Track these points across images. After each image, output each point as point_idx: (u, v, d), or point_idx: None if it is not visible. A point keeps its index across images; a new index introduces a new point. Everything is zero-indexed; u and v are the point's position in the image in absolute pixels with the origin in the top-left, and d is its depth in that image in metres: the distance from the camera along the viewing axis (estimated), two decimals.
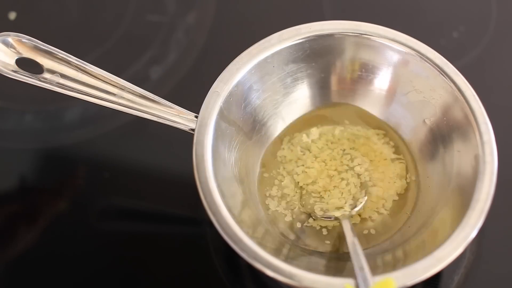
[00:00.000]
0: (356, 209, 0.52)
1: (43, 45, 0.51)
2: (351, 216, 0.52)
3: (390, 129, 0.56)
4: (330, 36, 0.54)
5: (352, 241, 0.47)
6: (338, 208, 0.52)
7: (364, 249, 0.49)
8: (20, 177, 0.60)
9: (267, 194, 0.54)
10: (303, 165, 0.55)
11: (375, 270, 0.46)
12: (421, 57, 0.52)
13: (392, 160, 0.55)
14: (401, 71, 0.54)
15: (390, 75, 0.55)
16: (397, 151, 0.55)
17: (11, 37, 0.50)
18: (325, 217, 0.52)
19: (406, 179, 0.54)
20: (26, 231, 0.58)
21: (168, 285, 0.56)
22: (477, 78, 0.53)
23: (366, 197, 0.53)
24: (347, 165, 0.55)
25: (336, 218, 0.52)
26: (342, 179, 0.54)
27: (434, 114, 0.53)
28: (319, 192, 0.54)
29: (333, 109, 0.57)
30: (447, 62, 0.52)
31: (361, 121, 0.57)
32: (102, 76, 0.51)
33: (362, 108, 0.56)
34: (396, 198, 0.54)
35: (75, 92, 0.51)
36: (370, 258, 0.48)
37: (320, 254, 0.52)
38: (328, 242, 0.52)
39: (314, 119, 0.57)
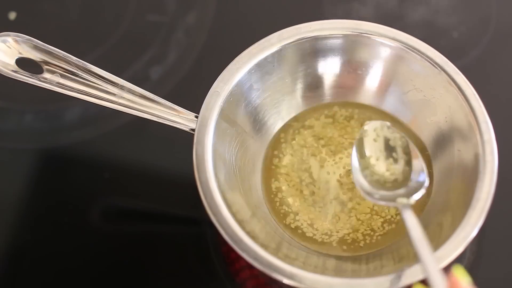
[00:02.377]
0: (417, 195, 0.47)
1: (43, 45, 0.51)
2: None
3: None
4: (330, 35, 0.54)
5: (419, 238, 0.42)
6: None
7: (372, 251, 0.50)
8: (20, 177, 0.60)
9: (269, 194, 0.54)
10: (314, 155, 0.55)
11: (378, 270, 0.46)
12: (421, 56, 0.52)
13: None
14: (401, 69, 0.54)
15: (390, 74, 0.55)
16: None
17: (11, 37, 0.50)
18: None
19: None
20: (26, 231, 0.58)
21: (168, 285, 0.56)
22: (477, 78, 0.53)
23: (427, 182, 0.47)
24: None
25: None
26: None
27: (434, 113, 0.53)
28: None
29: (334, 109, 0.57)
30: (447, 61, 0.52)
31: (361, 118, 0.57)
32: (102, 76, 0.51)
33: (363, 105, 0.56)
34: None
35: (75, 92, 0.51)
36: (376, 259, 0.48)
37: (320, 253, 0.52)
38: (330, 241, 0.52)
39: (315, 118, 0.57)
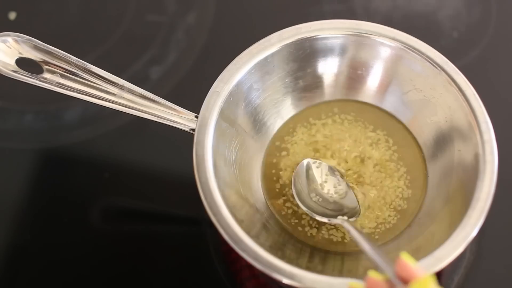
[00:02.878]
0: (352, 219, 0.51)
1: (43, 45, 0.51)
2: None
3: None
4: (330, 35, 0.54)
5: (363, 241, 0.46)
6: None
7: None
8: (20, 177, 0.60)
9: (269, 193, 0.54)
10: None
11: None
12: (421, 56, 0.52)
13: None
14: (401, 69, 0.54)
15: (390, 73, 0.55)
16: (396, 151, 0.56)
17: (11, 37, 0.50)
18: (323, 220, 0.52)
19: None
20: (26, 230, 0.58)
21: (168, 285, 0.56)
22: (477, 78, 0.53)
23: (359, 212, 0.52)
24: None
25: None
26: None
27: (434, 113, 0.53)
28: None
29: (333, 109, 0.57)
30: (447, 61, 0.52)
31: (362, 118, 0.57)
32: (102, 76, 0.51)
33: (363, 105, 0.56)
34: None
35: (75, 92, 0.51)
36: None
37: (320, 253, 0.52)
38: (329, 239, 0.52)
39: (314, 117, 0.57)
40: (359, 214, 0.52)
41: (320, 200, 0.53)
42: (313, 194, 0.53)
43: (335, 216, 0.51)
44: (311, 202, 0.53)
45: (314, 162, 0.54)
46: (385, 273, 0.40)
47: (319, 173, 0.54)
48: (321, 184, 0.53)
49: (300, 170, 0.54)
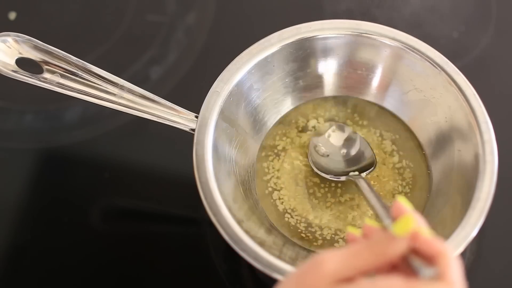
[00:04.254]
0: (365, 173, 0.52)
1: (43, 45, 0.51)
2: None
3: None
4: (330, 35, 0.54)
5: (368, 189, 0.48)
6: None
7: None
8: (20, 177, 0.60)
9: (267, 192, 0.54)
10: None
11: None
12: (421, 56, 0.52)
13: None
14: (401, 69, 0.54)
15: (390, 73, 0.55)
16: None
17: (11, 37, 0.50)
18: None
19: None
20: (26, 230, 0.58)
21: (168, 285, 0.56)
22: (477, 78, 0.53)
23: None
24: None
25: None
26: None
27: (434, 113, 0.53)
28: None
29: (333, 108, 0.57)
30: (448, 61, 0.52)
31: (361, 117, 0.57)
32: (102, 76, 0.51)
33: (363, 104, 0.56)
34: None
35: (75, 92, 0.51)
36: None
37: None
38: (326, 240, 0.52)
39: (314, 117, 0.57)
40: (375, 165, 0.53)
41: (329, 158, 0.54)
42: (323, 158, 0.54)
43: (347, 173, 0.52)
44: (323, 164, 0.54)
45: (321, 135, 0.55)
46: (383, 222, 0.40)
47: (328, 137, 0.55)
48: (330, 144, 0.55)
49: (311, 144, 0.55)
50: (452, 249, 0.33)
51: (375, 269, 0.35)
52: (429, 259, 0.35)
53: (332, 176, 0.53)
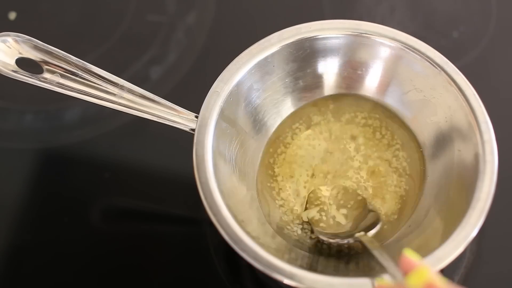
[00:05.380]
0: (373, 231, 0.50)
1: (43, 45, 0.51)
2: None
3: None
4: (330, 35, 0.54)
5: (377, 251, 0.46)
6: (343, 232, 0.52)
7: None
8: (20, 177, 0.60)
9: (269, 193, 0.54)
10: (306, 169, 0.55)
11: (374, 271, 0.46)
12: (421, 56, 0.52)
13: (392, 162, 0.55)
14: (401, 69, 0.54)
15: (390, 73, 0.55)
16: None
17: (11, 37, 0.50)
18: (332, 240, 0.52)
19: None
20: (26, 231, 0.58)
21: (168, 285, 0.56)
22: (477, 78, 0.53)
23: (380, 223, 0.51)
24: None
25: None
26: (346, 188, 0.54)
27: (434, 113, 0.53)
28: (321, 201, 0.53)
29: (333, 108, 0.57)
30: (447, 61, 0.52)
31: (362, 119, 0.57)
32: (102, 76, 0.51)
33: (363, 103, 0.57)
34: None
35: (75, 92, 0.51)
36: (371, 259, 0.48)
37: (320, 252, 0.52)
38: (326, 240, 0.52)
39: (314, 117, 0.57)
40: (380, 223, 0.51)
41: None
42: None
43: (352, 235, 0.51)
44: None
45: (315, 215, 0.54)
46: (396, 279, 0.40)
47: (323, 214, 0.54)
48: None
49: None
50: None
51: None
52: None
53: (338, 240, 0.51)
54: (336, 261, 0.51)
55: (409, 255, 0.36)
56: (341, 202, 0.53)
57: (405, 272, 0.36)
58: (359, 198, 0.53)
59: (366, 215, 0.52)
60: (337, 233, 0.52)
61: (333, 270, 0.50)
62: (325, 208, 0.53)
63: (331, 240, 0.51)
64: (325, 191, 0.54)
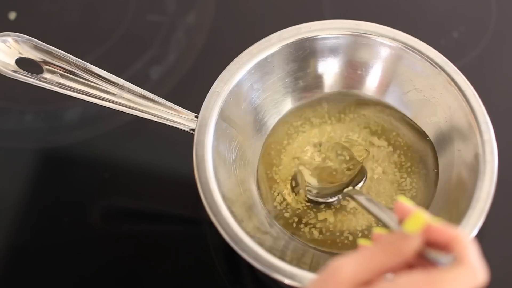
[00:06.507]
0: (359, 184, 0.52)
1: (43, 45, 0.51)
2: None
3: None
4: (330, 35, 0.54)
5: (366, 200, 0.47)
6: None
7: None
8: (20, 177, 0.60)
9: (269, 193, 0.54)
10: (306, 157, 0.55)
11: None
12: (421, 56, 0.52)
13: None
14: (401, 69, 0.54)
15: (390, 73, 0.55)
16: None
17: (11, 37, 0.50)
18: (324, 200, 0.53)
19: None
20: (26, 230, 0.58)
21: (168, 285, 0.56)
22: (477, 78, 0.53)
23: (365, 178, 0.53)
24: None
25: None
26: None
27: (434, 113, 0.53)
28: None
29: (333, 108, 0.57)
30: (447, 61, 0.52)
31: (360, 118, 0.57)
32: (102, 76, 0.51)
33: (363, 103, 0.57)
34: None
35: (75, 92, 0.51)
36: None
37: (320, 253, 0.52)
38: (327, 240, 0.52)
39: (313, 117, 0.57)
40: (366, 175, 0.53)
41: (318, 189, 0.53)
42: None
43: (341, 191, 0.52)
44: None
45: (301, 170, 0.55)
46: (390, 227, 0.40)
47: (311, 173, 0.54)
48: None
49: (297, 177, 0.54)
50: (466, 233, 0.33)
51: (392, 270, 0.35)
52: (445, 248, 0.34)
53: (327, 198, 0.53)
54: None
55: (403, 201, 0.36)
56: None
57: (401, 219, 0.36)
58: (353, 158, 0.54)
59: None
60: (326, 192, 0.53)
61: None
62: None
63: (321, 200, 0.52)
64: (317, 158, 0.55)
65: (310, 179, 0.54)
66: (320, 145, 0.55)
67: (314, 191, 0.53)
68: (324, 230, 0.53)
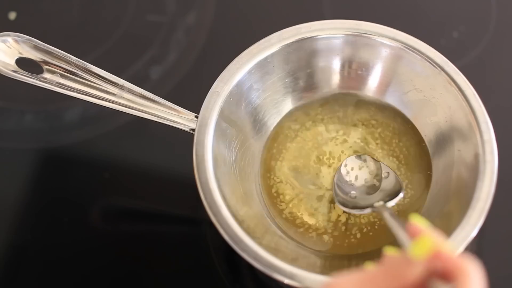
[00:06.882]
0: (392, 202, 0.50)
1: (43, 45, 0.51)
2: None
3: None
4: (330, 35, 0.54)
5: (389, 215, 0.46)
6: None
7: (368, 251, 0.50)
8: (20, 177, 0.60)
9: (269, 193, 0.54)
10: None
11: None
12: (421, 56, 0.52)
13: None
14: (401, 69, 0.54)
15: (390, 73, 0.55)
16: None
17: (11, 37, 0.50)
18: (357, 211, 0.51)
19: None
20: (26, 230, 0.58)
21: (168, 285, 0.56)
22: (477, 78, 0.53)
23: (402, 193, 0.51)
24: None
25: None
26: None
27: (434, 113, 0.53)
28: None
29: (333, 108, 0.57)
30: (447, 61, 0.52)
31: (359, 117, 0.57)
32: (102, 76, 0.51)
33: (363, 102, 0.57)
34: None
35: (75, 92, 0.51)
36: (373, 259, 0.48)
37: (320, 253, 0.52)
38: (329, 240, 0.52)
39: (314, 117, 0.57)
40: (403, 192, 0.51)
41: (355, 194, 0.52)
42: (352, 192, 0.53)
43: (371, 205, 0.50)
44: (348, 199, 0.52)
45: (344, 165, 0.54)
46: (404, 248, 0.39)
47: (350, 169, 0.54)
48: (353, 179, 0.53)
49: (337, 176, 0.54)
50: (474, 265, 0.32)
51: None
52: (449, 276, 0.33)
53: (358, 210, 0.51)
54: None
55: (416, 221, 0.35)
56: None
57: (412, 240, 0.35)
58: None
59: (386, 183, 0.52)
60: (358, 204, 0.51)
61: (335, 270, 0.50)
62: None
63: (352, 211, 0.51)
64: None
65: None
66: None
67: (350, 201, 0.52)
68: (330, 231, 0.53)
